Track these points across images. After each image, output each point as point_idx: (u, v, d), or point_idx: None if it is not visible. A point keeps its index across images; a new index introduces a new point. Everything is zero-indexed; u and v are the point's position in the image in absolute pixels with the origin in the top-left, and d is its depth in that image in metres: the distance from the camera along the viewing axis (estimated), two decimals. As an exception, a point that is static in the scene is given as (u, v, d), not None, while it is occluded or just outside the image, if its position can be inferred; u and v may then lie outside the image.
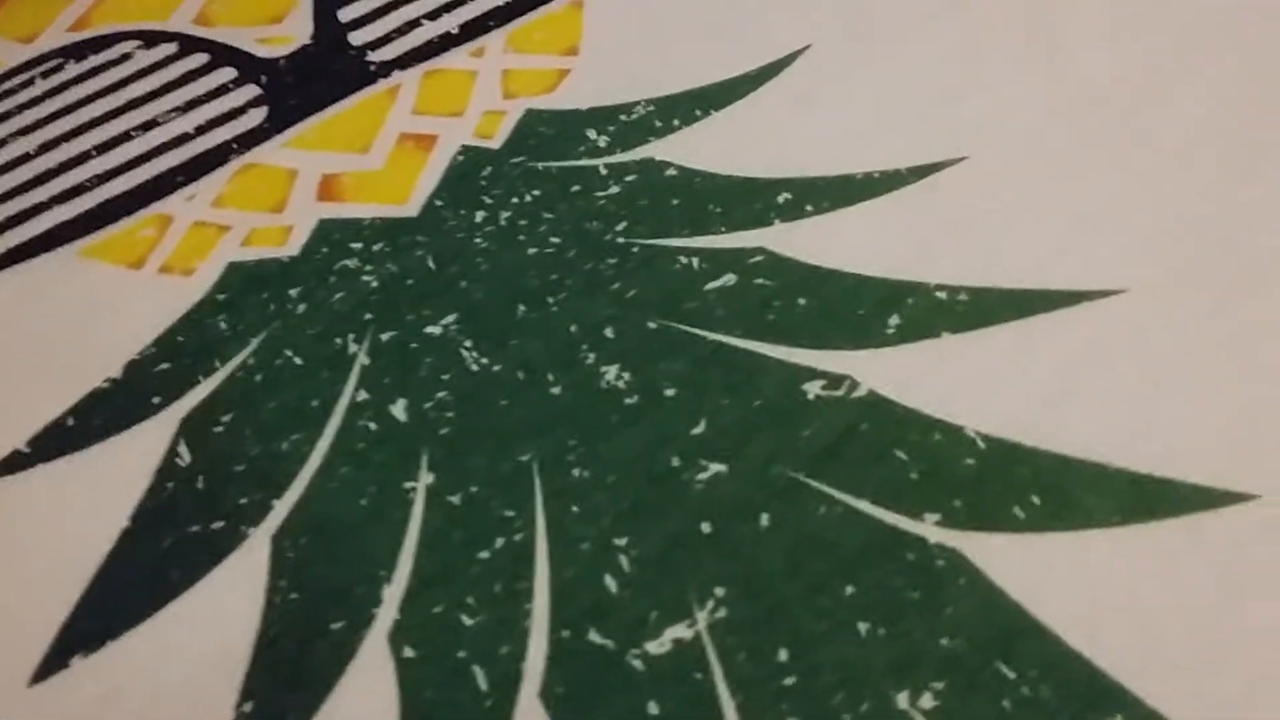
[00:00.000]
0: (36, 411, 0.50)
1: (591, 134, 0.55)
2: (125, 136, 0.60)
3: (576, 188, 0.53)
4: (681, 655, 0.38)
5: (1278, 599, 0.37)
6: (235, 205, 0.56)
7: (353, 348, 0.49)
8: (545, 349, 0.48)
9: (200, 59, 0.63)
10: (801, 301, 0.47)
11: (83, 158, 0.60)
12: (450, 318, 0.50)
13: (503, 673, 0.39)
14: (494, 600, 0.41)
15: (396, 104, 0.59)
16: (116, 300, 0.53)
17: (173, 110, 0.61)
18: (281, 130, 0.59)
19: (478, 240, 0.52)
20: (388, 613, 0.41)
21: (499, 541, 0.42)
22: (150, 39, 0.65)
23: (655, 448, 0.44)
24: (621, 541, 0.41)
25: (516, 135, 0.56)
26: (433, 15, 0.63)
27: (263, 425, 0.47)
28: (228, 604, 0.42)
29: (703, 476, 0.43)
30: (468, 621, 0.40)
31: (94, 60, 0.64)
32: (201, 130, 0.60)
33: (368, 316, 0.50)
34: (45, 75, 0.64)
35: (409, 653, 0.40)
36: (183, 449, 0.47)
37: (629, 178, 0.53)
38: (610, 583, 0.40)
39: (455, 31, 0.62)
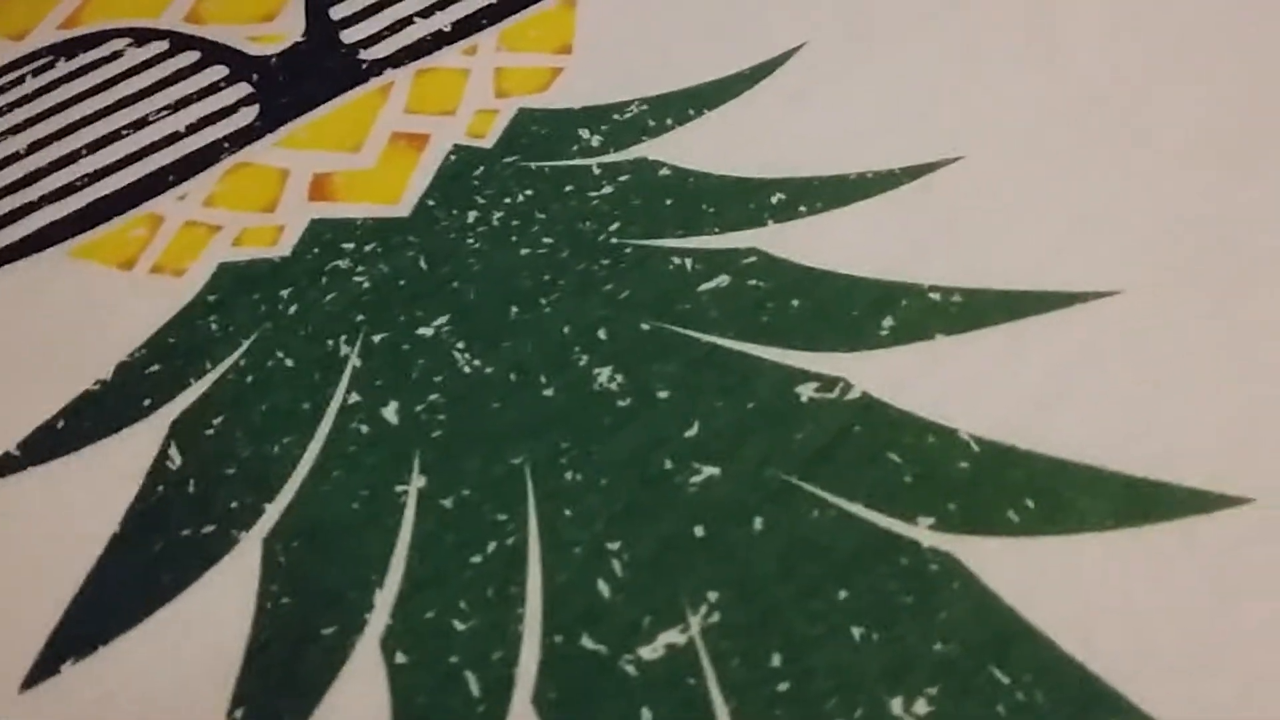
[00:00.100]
0: (27, 413, 0.49)
1: (585, 133, 0.55)
2: (116, 135, 0.60)
3: (569, 187, 0.53)
4: (674, 660, 0.38)
5: (1272, 601, 0.37)
6: (226, 205, 0.56)
7: (344, 349, 0.49)
8: (538, 351, 0.48)
9: (191, 57, 0.63)
10: (795, 303, 0.47)
11: (73, 156, 0.59)
12: (442, 319, 0.49)
13: (495, 678, 0.39)
14: (486, 605, 0.40)
15: (388, 103, 0.59)
16: (108, 301, 0.53)
17: (164, 108, 0.60)
18: (273, 129, 0.58)
19: (470, 241, 0.52)
20: (379, 617, 0.41)
21: (491, 545, 0.42)
22: (141, 36, 0.64)
23: (648, 450, 0.44)
24: (614, 545, 0.41)
25: (509, 134, 0.56)
26: (425, 13, 0.62)
27: (254, 428, 0.47)
28: (219, 608, 0.42)
29: (696, 479, 0.43)
30: (460, 626, 0.40)
31: (85, 58, 0.64)
32: (193, 129, 0.59)
33: (359, 318, 0.50)
34: (36, 73, 0.64)
35: (401, 658, 0.40)
36: (173, 452, 0.47)
37: (622, 177, 0.53)
38: (603, 587, 0.40)
39: (447, 29, 0.61)
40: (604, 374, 0.46)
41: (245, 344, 0.50)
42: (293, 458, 0.46)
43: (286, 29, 0.63)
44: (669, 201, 0.52)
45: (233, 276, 0.52)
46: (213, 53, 0.63)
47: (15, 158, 0.60)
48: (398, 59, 0.60)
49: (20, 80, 0.64)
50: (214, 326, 0.51)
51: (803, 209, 0.50)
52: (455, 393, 0.47)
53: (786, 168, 0.52)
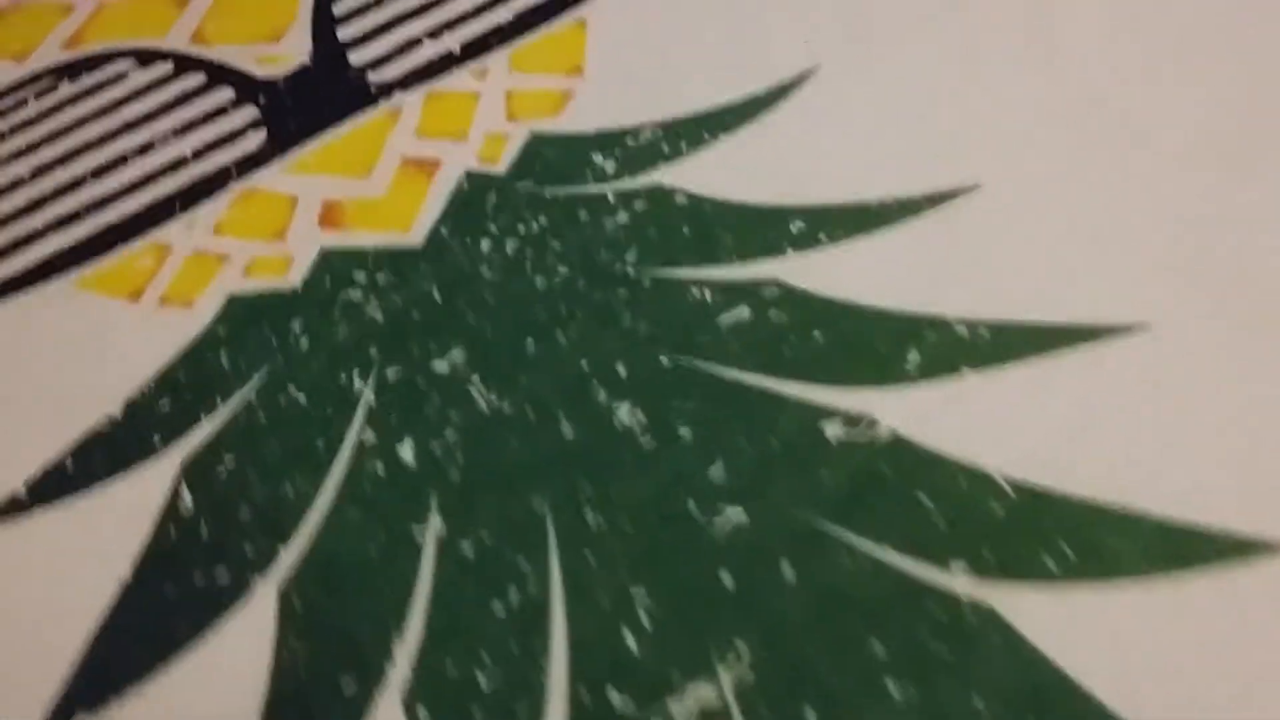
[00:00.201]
0: (34, 452, 0.48)
1: (598, 158, 0.54)
2: (121, 160, 0.59)
3: (584, 215, 0.52)
4: (705, 718, 0.37)
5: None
6: (235, 233, 0.54)
7: (358, 385, 0.48)
8: (555, 386, 0.47)
9: (197, 78, 0.62)
10: (817, 336, 0.46)
11: (78, 182, 0.58)
12: (457, 353, 0.48)
13: (520, 734, 0.38)
14: (509, 658, 0.39)
15: (398, 127, 0.58)
16: (115, 334, 0.52)
17: (169, 133, 0.59)
18: (281, 154, 0.57)
19: (484, 270, 0.51)
20: (400, 671, 0.40)
21: (513, 593, 0.41)
22: (145, 58, 0.63)
23: (671, 491, 0.43)
24: (639, 593, 0.40)
25: (521, 160, 0.55)
26: (434, 33, 0.61)
27: (266, 467, 0.46)
28: (234, 660, 0.41)
29: (721, 522, 0.42)
30: (483, 681, 0.39)
31: (88, 80, 0.63)
32: (199, 154, 0.58)
33: (373, 351, 0.49)
34: (39, 95, 0.63)
35: (423, 715, 0.39)
36: (185, 493, 0.46)
37: (637, 205, 0.52)
38: (629, 638, 0.39)
39: (457, 51, 0.60)
40: (624, 411, 0.45)
41: (256, 379, 0.49)
42: (307, 499, 0.45)
43: (293, 50, 0.62)
44: (686, 230, 0.51)
45: (243, 308, 0.51)
46: (218, 75, 0.62)
47: (19, 183, 0.59)
48: (407, 81, 0.59)
49: (23, 103, 0.63)
50: (224, 361, 0.49)
51: (822, 237, 0.49)
52: (472, 431, 0.46)
53: (804, 194, 0.51)
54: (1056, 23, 0.54)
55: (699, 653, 0.39)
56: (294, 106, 0.59)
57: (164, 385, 0.49)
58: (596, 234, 0.51)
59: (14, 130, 0.61)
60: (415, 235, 0.53)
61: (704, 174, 0.53)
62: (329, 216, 0.54)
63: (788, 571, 0.40)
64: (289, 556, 0.43)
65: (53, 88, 0.63)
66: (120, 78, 0.63)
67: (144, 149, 0.59)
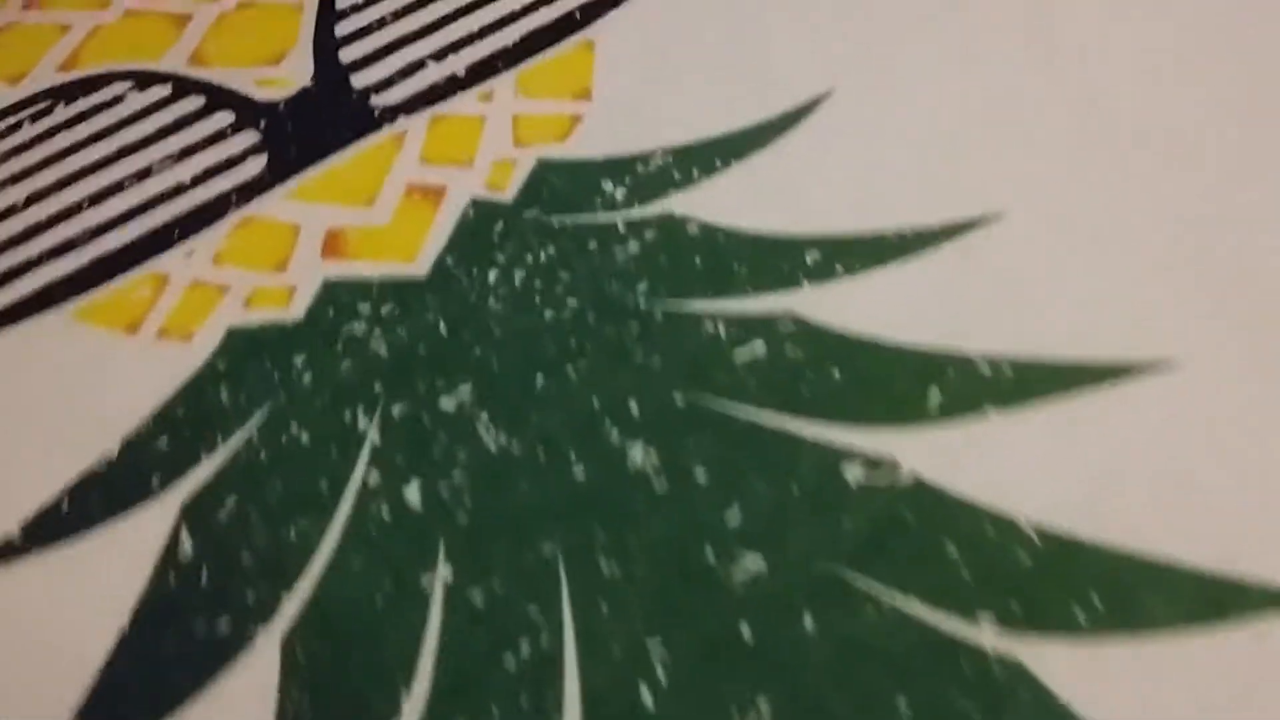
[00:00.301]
0: (29, 491, 0.47)
1: (608, 185, 0.53)
2: (118, 186, 0.57)
3: (594, 245, 0.51)
4: (726, 782, 0.36)
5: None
6: (235, 263, 0.53)
7: (362, 423, 0.46)
8: (566, 425, 0.45)
9: (196, 102, 0.61)
10: (836, 373, 0.45)
11: (74, 209, 0.57)
12: (464, 389, 0.47)
13: (533, 796, 0.37)
14: (521, 713, 0.38)
15: (402, 152, 0.56)
16: (112, 368, 0.50)
17: (168, 158, 0.58)
18: (282, 180, 0.56)
19: (491, 303, 0.49)
20: (408, 729, 0.38)
21: (524, 645, 0.40)
22: (143, 80, 0.62)
23: (687, 538, 0.41)
24: (656, 645, 0.39)
25: (529, 187, 0.54)
26: (438, 56, 0.60)
27: (269, 510, 0.44)
28: (236, 715, 0.40)
29: (739, 571, 0.40)
30: (495, 740, 0.38)
31: (84, 103, 0.62)
32: (198, 180, 0.57)
33: (377, 387, 0.48)
34: (34, 119, 0.61)
35: (433, 777, 0.37)
36: (185, 537, 0.44)
37: (648, 234, 0.51)
38: (645, 693, 0.38)
39: (462, 74, 0.59)
40: (637, 451, 0.44)
41: (258, 416, 0.47)
42: (311, 544, 0.43)
43: (294, 72, 0.61)
44: (698, 260, 0.50)
45: (243, 342, 0.50)
46: (218, 98, 0.60)
47: (13, 210, 0.57)
48: (411, 105, 0.58)
49: (18, 126, 0.61)
50: (224, 397, 0.48)
51: (839, 269, 0.48)
52: (480, 472, 0.44)
53: (819, 223, 0.50)
54: (1081, 48, 0.53)
55: (718, 709, 0.37)
56: (295, 131, 0.58)
57: (162, 422, 0.48)
58: (606, 264, 0.50)
59: (9, 155, 0.60)
60: (420, 265, 0.52)
61: (716, 202, 0.52)
62: (332, 246, 0.53)
63: (809, 623, 0.39)
64: (292, 605, 0.42)
65: (48, 111, 0.62)
66: (118, 100, 0.61)
67: (142, 175, 0.58)
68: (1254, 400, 0.41)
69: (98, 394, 0.49)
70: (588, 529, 0.42)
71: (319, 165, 0.56)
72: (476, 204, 0.53)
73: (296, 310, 0.51)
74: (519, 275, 0.50)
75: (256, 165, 0.57)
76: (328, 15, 0.63)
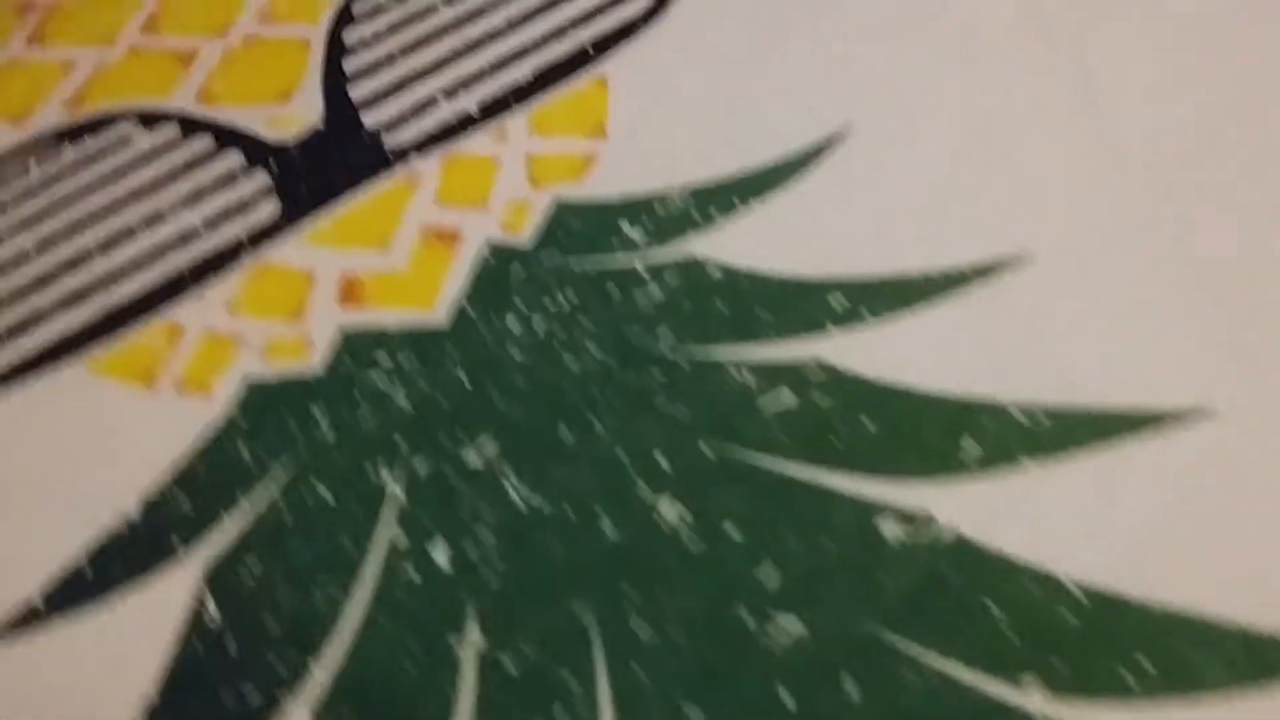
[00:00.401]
0: (49, 554, 0.46)
1: (626, 227, 0.52)
2: (129, 232, 0.56)
3: (614, 289, 0.50)
4: None
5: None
6: (251, 311, 0.52)
7: (386, 479, 0.46)
8: (594, 480, 0.45)
9: (205, 142, 0.60)
10: (867, 423, 0.44)
11: (84, 257, 0.56)
12: (489, 443, 0.46)
13: None
14: (561, 789, 0.37)
15: (417, 194, 0.55)
16: (129, 424, 0.49)
17: (178, 202, 0.57)
18: (295, 224, 0.55)
19: (512, 352, 0.49)
20: (446, 807, 0.38)
21: (560, 713, 0.39)
22: (150, 119, 0.61)
23: (723, 599, 0.41)
24: (695, 712, 0.38)
25: (546, 229, 0.53)
26: (449, 93, 0.59)
27: (294, 573, 0.44)
28: (269, 792, 0.39)
29: (777, 634, 0.40)
30: (535, 820, 0.37)
31: (92, 144, 0.61)
32: (210, 224, 0.56)
33: (400, 442, 0.47)
34: (40, 161, 0.60)
35: None
36: (209, 603, 0.43)
37: (669, 278, 0.50)
38: (686, 766, 0.37)
39: (474, 112, 0.58)
40: (667, 507, 0.43)
41: (279, 473, 0.47)
42: (337, 608, 0.43)
43: (304, 111, 0.60)
44: (721, 305, 0.49)
45: (262, 395, 0.49)
46: (227, 137, 0.59)
47: (24, 258, 0.56)
48: (424, 144, 0.57)
49: (25, 169, 0.60)
50: (245, 454, 0.47)
51: (865, 313, 0.47)
52: (508, 530, 0.44)
53: (843, 265, 0.49)
54: (1109, 86, 0.52)
55: (762, 784, 0.36)
56: (307, 172, 0.57)
57: (183, 481, 0.47)
58: (628, 310, 0.49)
59: (17, 199, 0.59)
60: (439, 313, 0.51)
61: (737, 244, 0.51)
62: (348, 293, 0.52)
63: (850, 688, 0.38)
64: (321, 674, 0.41)
65: (55, 152, 0.60)
66: (125, 141, 0.60)
67: (152, 219, 0.57)
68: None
69: (116, 451, 0.48)
70: (620, 590, 0.41)
71: (332, 208, 0.55)
72: (494, 248, 0.52)
73: (315, 361, 0.50)
74: (539, 322, 0.49)
75: (269, 208, 0.56)
76: (336, 51, 0.62)
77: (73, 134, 0.62)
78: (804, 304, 0.48)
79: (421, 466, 0.46)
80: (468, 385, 0.48)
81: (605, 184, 0.54)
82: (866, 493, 0.42)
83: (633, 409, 0.46)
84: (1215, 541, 0.40)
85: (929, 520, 0.41)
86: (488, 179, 0.55)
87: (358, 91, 0.60)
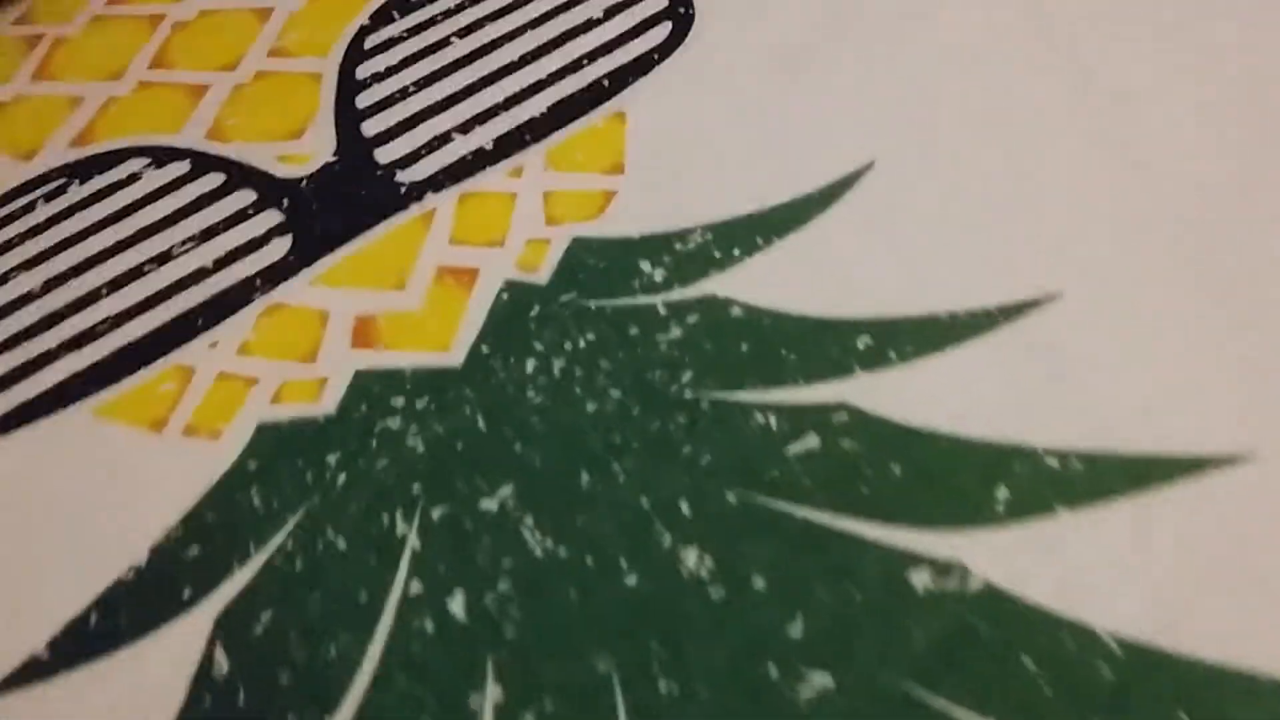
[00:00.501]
0: (55, 604, 0.45)
1: (646, 266, 0.51)
2: (138, 271, 0.55)
3: (634, 330, 0.49)
4: None
5: None
6: (263, 353, 0.51)
7: (401, 527, 0.44)
8: (615, 528, 0.43)
9: (216, 179, 0.59)
10: (896, 470, 0.43)
11: (93, 297, 0.55)
12: (507, 489, 0.45)
13: None
14: None
15: (431, 232, 0.54)
16: (138, 469, 0.48)
17: (188, 240, 0.56)
18: (309, 263, 0.54)
19: (530, 395, 0.48)
20: None
21: (583, 774, 0.38)
22: (161, 156, 0.60)
23: (750, 653, 0.39)
24: (722, 774, 0.37)
25: (564, 268, 0.52)
26: (464, 129, 0.58)
27: (307, 625, 0.42)
28: None
29: (806, 689, 0.38)
30: None
31: (100, 181, 0.60)
32: (221, 264, 0.55)
33: (415, 488, 0.46)
34: (48, 198, 0.59)
35: None
36: (220, 655, 0.42)
37: (691, 318, 0.49)
38: (715, 831, 0.36)
39: (489, 147, 0.57)
40: (691, 557, 0.42)
41: (291, 521, 0.45)
42: (352, 662, 0.41)
43: (316, 147, 0.59)
44: (744, 347, 0.48)
45: (274, 440, 0.48)
46: (239, 175, 0.58)
47: (30, 297, 0.55)
48: (438, 181, 0.56)
49: (31, 206, 0.59)
50: (256, 500, 0.46)
51: (892, 355, 0.46)
52: (527, 581, 0.42)
53: (869, 305, 0.48)
54: (1137, 118, 0.51)
55: None
56: (319, 210, 0.56)
57: (192, 529, 0.46)
58: (649, 352, 0.48)
59: (24, 237, 0.58)
60: (455, 355, 0.50)
61: (759, 283, 0.50)
62: (362, 334, 0.51)
63: (884, 749, 0.37)
64: (336, 731, 0.40)
65: (62, 190, 0.60)
66: (134, 178, 0.60)
67: (162, 259, 0.56)
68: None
69: (123, 497, 0.47)
70: (643, 643, 0.40)
71: (346, 247, 0.54)
72: (511, 286, 0.51)
73: (328, 404, 0.49)
74: (558, 364, 0.48)
75: (281, 247, 0.55)
76: (348, 85, 0.61)
77: (81, 170, 0.61)
78: (829, 345, 0.47)
79: (437, 512, 0.45)
80: (484, 429, 0.47)
81: (624, 221, 0.53)
82: (895, 541, 0.41)
83: (654, 454, 0.45)
84: (1257, 591, 0.38)
85: (960, 570, 0.40)
86: (504, 217, 0.54)
87: (370, 127, 0.59)
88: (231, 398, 0.50)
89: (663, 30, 0.60)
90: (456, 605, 0.42)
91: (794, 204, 0.52)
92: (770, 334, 0.48)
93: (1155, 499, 0.41)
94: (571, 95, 0.59)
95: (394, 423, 0.48)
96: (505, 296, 0.51)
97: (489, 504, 0.45)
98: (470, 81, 0.60)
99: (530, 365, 0.49)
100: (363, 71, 0.62)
